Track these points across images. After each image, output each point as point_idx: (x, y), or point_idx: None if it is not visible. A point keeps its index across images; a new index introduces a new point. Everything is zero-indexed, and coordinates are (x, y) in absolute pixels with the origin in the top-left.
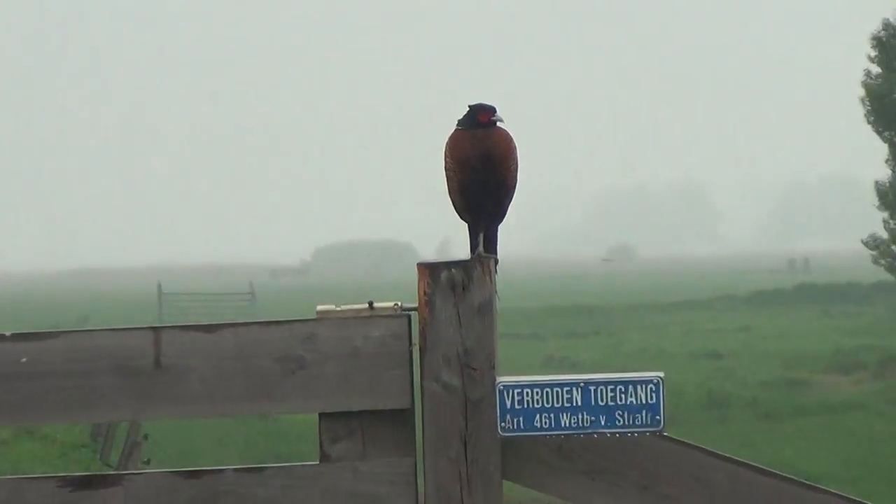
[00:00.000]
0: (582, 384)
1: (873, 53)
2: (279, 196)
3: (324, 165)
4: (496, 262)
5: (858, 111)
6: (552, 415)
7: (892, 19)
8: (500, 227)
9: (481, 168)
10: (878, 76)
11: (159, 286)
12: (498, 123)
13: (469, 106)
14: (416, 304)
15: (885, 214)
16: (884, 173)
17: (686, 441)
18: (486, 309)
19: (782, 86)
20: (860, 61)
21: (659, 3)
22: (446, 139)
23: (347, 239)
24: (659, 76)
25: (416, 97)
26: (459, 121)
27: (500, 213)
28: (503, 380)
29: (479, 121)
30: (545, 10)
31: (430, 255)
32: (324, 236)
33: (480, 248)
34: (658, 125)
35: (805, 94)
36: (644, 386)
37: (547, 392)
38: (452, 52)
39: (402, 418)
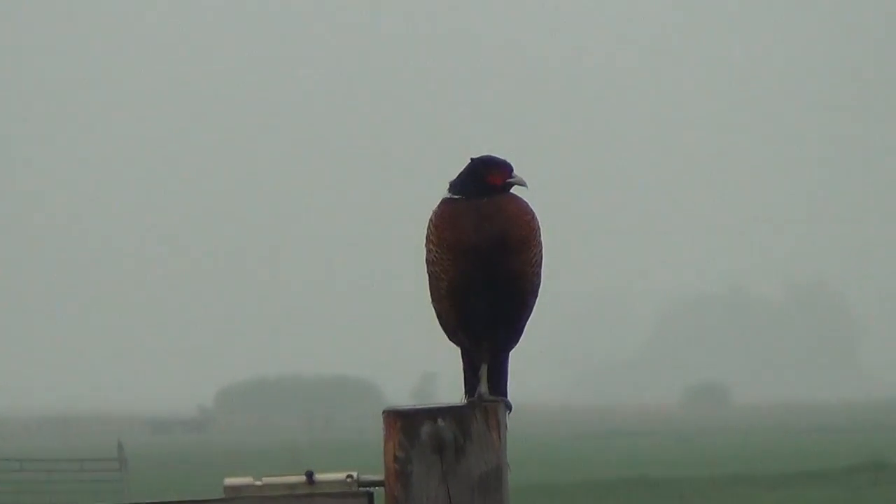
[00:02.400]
0: None
1: None
2: (164, 317)
3: (235, 265)
4: (508, 409)
5: None
6: None
7: None
8: (514, 355)
9: (487, 261)
10: None
11: None
12: (514, 187)
13: (472, 159)
14: (381, 476)
15: None
16: None
17: None
18: (491, 484)
19: None
20: None
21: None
22: (431, 212)
23: (271, 375)
24: (761, 124)
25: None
26: (453, 183)
27: (513, 333)
28: None
29: (488, 184)
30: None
31: (404, 397)
32: (234, 372)
33: (483, 387)
34: (760, 201)
35: None
36: None
37: None
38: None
39: None
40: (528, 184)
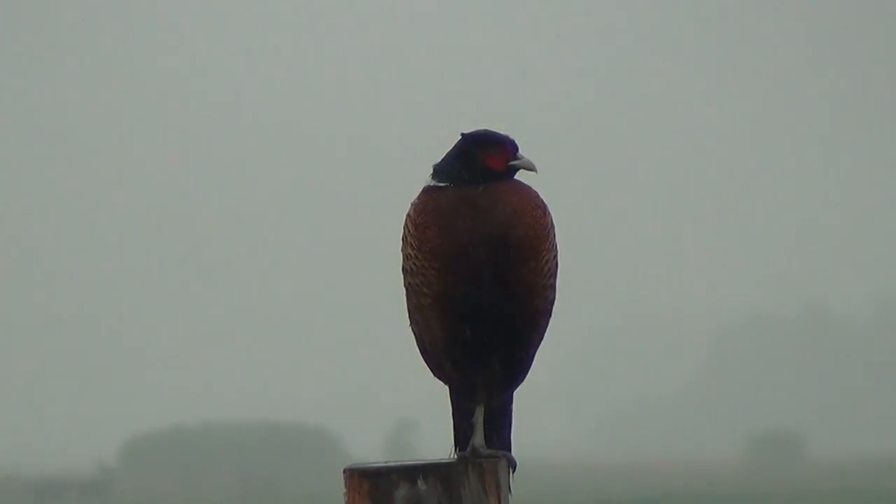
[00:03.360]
0: None
1: None
2: (52, 351)
3: (150, 283)
4: (511, 467)
5: None
6: None
7: None
8: (520, 395)
9: (484, 271)
10: None
11: None
12: (524, 166)
13: (462, 135)
14: None
15: None
16: None
17: None
18: None
19: None
20: None
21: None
22: (409, 206)
23: (194, 422)
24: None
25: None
26: (438, 167)
27: (519, 366)
28: None
29: (485, 168)
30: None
31: (373, 451)
32: (145, 419)
33: (478, 438)
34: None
35: None
36: None
37: None
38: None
39: None
40: (537, 168)
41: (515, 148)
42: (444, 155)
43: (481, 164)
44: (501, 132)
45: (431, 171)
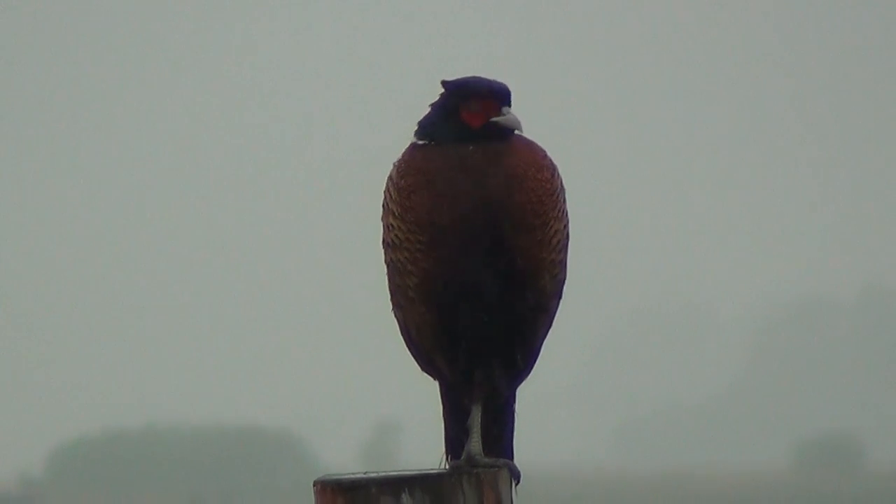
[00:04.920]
0: None
1: None
2: None
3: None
4: (515, 478)
5: None
6: None
7: None
8: (525, 395)
9: (480, 244)
10: None
11: None
12: (508, 125)
13: (444, 83)
14: None
15: None
16: None
17: None
18: None
19: None
20: None
21: None
22: (392, 165)
23: (134, 426)
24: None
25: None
26: (422, 123)
27: (524, 358)
28: None
29: (465, 124)
30: None
31: (349, 460)
32: (76, 423)
33: (474, 444)
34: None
35: None
36: None
37: None
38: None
39: None
40: (523, 127)
41: (504, 100)
42: (430, 106)
43: (464, 120)
44: (495, 79)
45: (417, 128)
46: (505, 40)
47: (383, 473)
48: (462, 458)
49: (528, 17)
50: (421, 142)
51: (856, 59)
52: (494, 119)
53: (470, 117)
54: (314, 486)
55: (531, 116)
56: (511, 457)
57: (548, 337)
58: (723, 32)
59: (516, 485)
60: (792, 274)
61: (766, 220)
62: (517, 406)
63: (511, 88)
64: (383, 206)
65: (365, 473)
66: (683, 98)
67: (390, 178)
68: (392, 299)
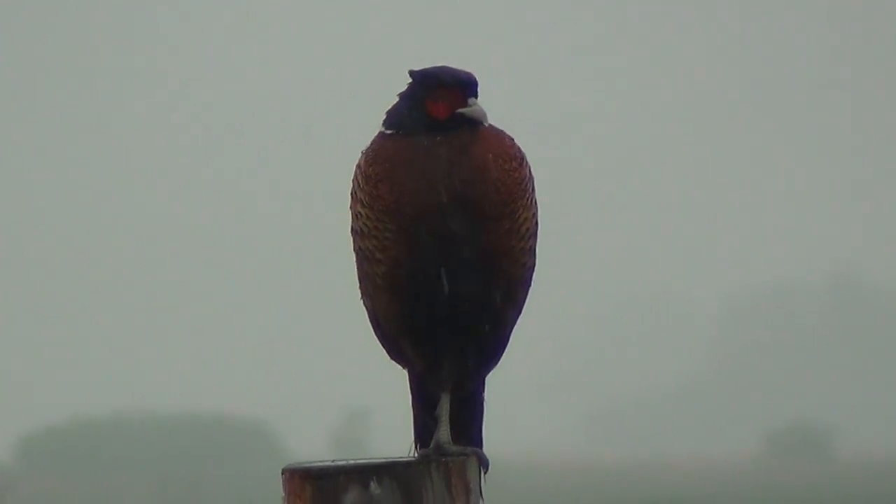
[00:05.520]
0: None
1: None
2: None
3: (45, 256)
4: (483, 467)
5: None
6: None
7: None
8: (494, 383)
9: (448, 232)
10: None
11: None
12: (473, 117)
13: (411, 73)
14: None
15: None
16: None
17: None
18: None
19: None
20: None
21: None
22: (361, 153)
23: (102, 414)
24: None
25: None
26: (390, 113)
27: (492, 346)
28: None
29: (429, 115)
30: None
31: (317, 448)
32: (44, 411)
33: (443, 433)
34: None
35: None
36: None
37: None
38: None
39: None
40: (488, 119)
41: (470, 91)
42: (398, 96)
43: (430, 111)
44: (461, 68)
45: (385, 118)
46: (475, 33)
47: (352, 461)
48: (431, 446)
49: (508, 10)
50: (389, 131)
51: (810, 52)
52: (460, 110)
53: (436, 108)
54: (283, 473)
55: (505, 107)
56: (480, 445)
57: (517, 325)
58: (690, 23)
59: (485, 473)
60: (760, 261)
61: (733, 207)
62: (486, 394)
63: (478, 79)
64: (351, 194)
65: (333, 461)
66: (650, 87)
67: (358, 166)
68: (361, 287)
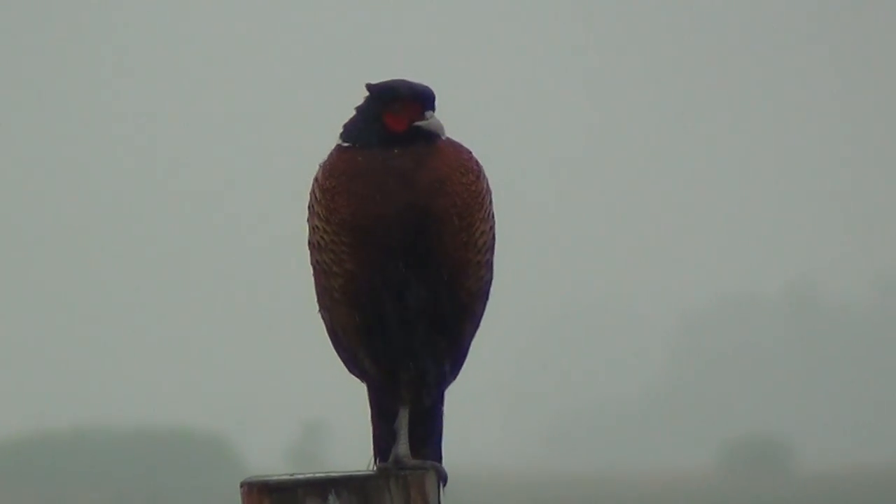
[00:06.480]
0: None
1: None
2: None
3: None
4: (441, 480)
5: None
6: None
7: None
8: (453, 396)
9: (405, 246)
10: None
11: None
12: (430, 130)
13: (368, 87)
14: None
15: None
16: None
17: None
18: None
19: None
20: None
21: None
22: (318, 166)
23: (60, 428)
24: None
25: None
26: (347, 126)
27: (450, 360)
28: None
29: (388, 127)
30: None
31: (275, 461)
32: (6, 426)
33: (402, 447)
34: (831, 169)
35: None
36: None
37: None
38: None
39: None
40: (445, 132)
41: (427, 104)
42: (355, 110)
43: (387, 123)
44: (417, 81)
45: (342, 131)
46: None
47: (310, 475)
48: (389, 460)
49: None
50: (346, 144)
51: (774, 71)
52: (417, 123)
53: (393, 121)
54: (241, 487)
55: (462, 118)
56: (439, 459)
57: (475, 339)
58: (660, 31)
59: (443, 487)
60: (718, 274)
61: (688, 217)
62: (445, 408)
63: (436, 91)
64: (309, 207)
65: (292, 475)
66: (606, 98)
67: (316, 179)
68: (318, 301)
